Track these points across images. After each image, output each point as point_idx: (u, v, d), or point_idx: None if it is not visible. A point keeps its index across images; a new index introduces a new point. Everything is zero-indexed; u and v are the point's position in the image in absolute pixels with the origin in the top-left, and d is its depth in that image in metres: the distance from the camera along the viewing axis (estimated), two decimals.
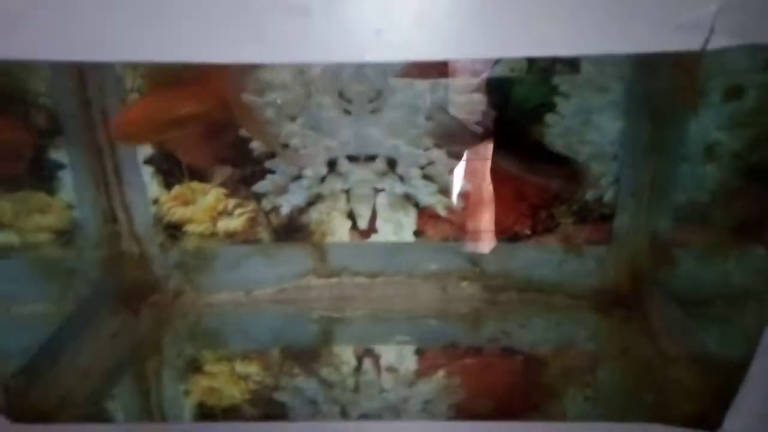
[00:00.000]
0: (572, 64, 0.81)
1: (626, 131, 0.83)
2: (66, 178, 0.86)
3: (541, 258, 0.91)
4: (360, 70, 0.82)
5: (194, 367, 0.85)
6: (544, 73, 0.81)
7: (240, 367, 0.85)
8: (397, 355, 0.87)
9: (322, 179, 0.89)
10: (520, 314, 0.90)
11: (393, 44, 0.35)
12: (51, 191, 0.86)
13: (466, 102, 0.84)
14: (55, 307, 0.85)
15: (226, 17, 0.35)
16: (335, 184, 0.89)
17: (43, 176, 0.85)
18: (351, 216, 0.91)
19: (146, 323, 0.90)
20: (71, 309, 0.83)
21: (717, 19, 0.35)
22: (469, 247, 0.92)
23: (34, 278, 0.87)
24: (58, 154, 0.85)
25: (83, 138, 0.85)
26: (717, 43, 0.35)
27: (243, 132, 0.86)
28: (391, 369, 0.83)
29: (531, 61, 0.81)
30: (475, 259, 0.92)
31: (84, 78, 0.81)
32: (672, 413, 0.65)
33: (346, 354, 0.87)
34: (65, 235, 0.88)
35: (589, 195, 0.87)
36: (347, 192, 0.90)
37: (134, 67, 0.82)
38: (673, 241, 0.83)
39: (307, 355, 0.87)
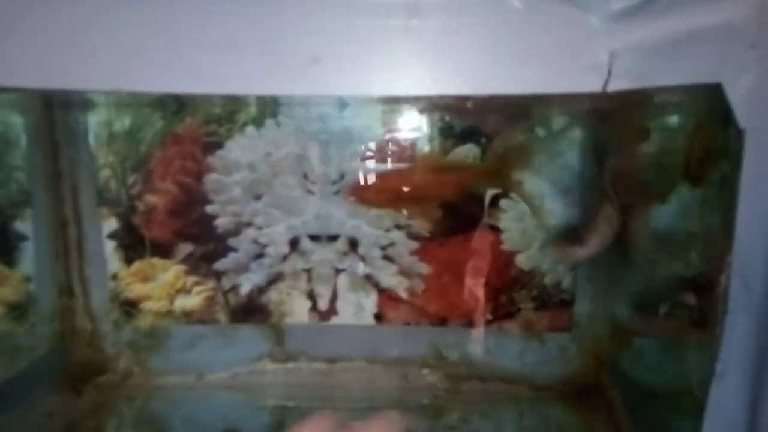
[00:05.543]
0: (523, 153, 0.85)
1: (580, 218, 0.86)
2: (27, 250, 0.86)
3: (502, 345, 0.89)
4: (325, 152, 0.86)
5: None
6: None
7: None
8: None
9: (284, 258, 0.89)
10: (483, 406, 0.86)
11: (324, 79, 0.38)
12: (11, 263, 0.86)
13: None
14: None
15: (164, 51, 0.38)
16: (297, 263, 0.89)
17: (5, 248, 0.85)
18: (311, 296, 0.90)
19: (89, 406, 0.85)
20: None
21: (614, 63, 0.38)
22: (431, 331, 0.90)
23: None
24: (23, 226, 0.86)
25: (50, 211, 0.87)
26: (617, 85, 0.39)
27: (209, 209, 0.88)
28: None
29: (484, 149, 0.85)
30: (436, 345, 0.90)
31: (57, 152, 0.85)
32: None
33: None
34: (18, 309, 0.86)
35: (548, 280, 0.88)
36: (308, 271, 0.90)
37: (108, 143, 0.86)
38: (633, 328, 0.82)
39: None
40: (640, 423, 0.73)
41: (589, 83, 0.39)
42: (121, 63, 0.40)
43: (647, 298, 0.76)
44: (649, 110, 0.61)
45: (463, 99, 0.46)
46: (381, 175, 0.86)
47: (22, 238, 0.86)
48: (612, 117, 0.69)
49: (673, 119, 0.60)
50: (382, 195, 0.86)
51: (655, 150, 0.63)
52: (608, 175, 0.75)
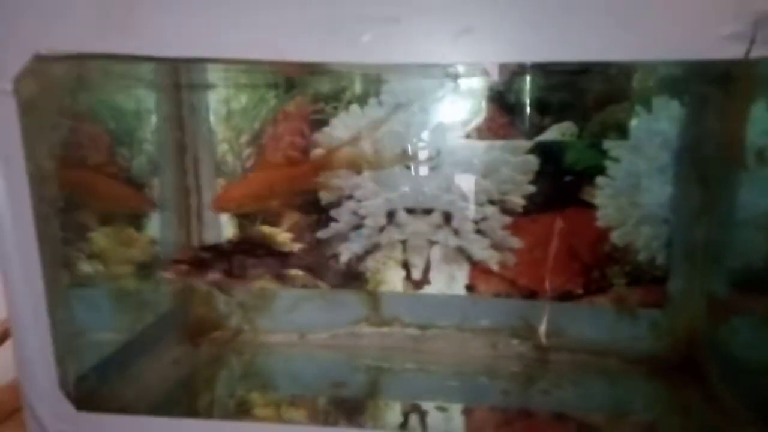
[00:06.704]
0: (621, 130, 0.87)
1: (676, 195, 0.86)
2: (154, 215, 0.96)
3: (593, 319, 0.91)
4: (423, 129, 0.91)
5: (244, 409, 0.87)
6: (594, 137, 0.87)
7: (287, 414, 0.86)
8: (444, 416, 0.86)
9: (381, 229, 0.95)
10: (572, 376, 0.88)
11: (476, 48, 0.41)
12: (139, 227, 0.96)
13: (520, 163, 0.90)
14: (123, 338, 0.90)
15: (323, 23, 0.43)
16: (393, 234, 0.95)
17: (135, 213, 0.96)
18: (406, 266, 0.96)
19: (205, 357, 0.95)
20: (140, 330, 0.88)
21: (757, 31, 0.40)
22: (521, 304, 0.93)
23: (110, 308, 0.94)
24: (151, 194, 0.95)
25: (175, 181, 0.96)
26: (759, 52, 0.40)
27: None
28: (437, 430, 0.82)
29: (582, 127, 0.87)
30: (526, 317, 0.93)
31: (183, 127, 0.94)
32: None
33: (392, 409, 0.87)
34: (145, 269, 0.96)
35: (642, 256, 0.88)
36: (403, 243, 0.95)
37: (226, 119, 0.94)
38: (732, 306, 0.82)
39: (353, 407, 0.87)
40: (744, 399, 0.73)
41: (732, 51, 0.40)
42: (282, 34, 0.45)
43: (751, 274, 0.76)
44: None
45: (605, 65, 0.48)
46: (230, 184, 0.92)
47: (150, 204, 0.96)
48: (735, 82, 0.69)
49: None
50: (240, 200, 0.89)
51: None
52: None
